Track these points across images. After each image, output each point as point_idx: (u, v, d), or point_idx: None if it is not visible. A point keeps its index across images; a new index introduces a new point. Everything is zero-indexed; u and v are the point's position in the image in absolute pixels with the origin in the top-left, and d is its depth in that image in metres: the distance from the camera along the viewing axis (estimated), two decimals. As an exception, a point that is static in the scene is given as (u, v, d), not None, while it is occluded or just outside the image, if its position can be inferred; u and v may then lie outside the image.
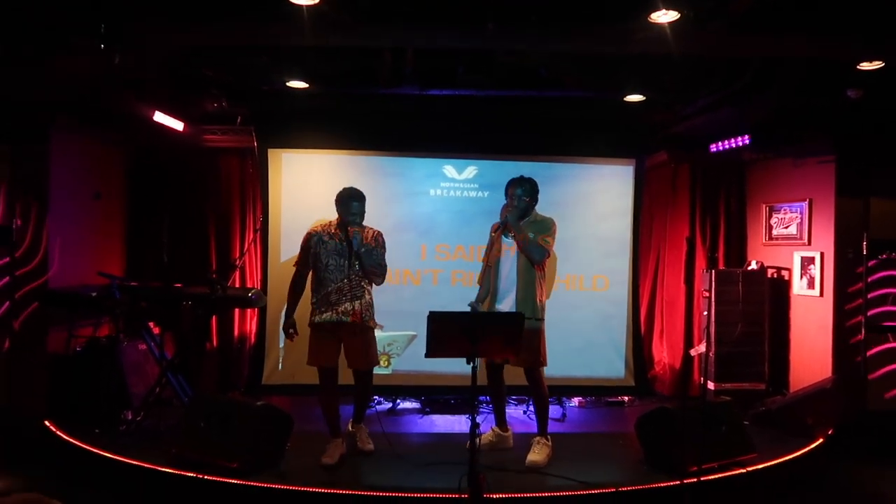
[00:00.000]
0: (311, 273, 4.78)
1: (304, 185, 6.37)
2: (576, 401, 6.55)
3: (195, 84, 5.64)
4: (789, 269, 6.49)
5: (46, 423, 5.20)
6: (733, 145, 6.28)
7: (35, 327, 5.64)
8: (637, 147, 6.62)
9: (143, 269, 6.69)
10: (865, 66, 4.72)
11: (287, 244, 6.29)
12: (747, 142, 6.14)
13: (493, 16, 4.19)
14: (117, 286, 5.66)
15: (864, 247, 5.81)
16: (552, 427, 5.12)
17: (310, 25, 4.09)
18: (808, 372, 6.13)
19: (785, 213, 6.54)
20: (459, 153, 6.49)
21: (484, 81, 5.35)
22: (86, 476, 4.71)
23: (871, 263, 5.87)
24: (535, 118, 6.33)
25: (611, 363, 6.57)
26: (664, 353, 7.10)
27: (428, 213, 6.46)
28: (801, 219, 6.37)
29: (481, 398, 5.80)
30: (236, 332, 6.85)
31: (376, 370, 5.02)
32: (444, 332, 3.73)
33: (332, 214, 4.77)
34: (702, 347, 6.26)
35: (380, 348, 5.96)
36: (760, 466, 4.62)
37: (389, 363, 6.35)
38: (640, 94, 5.64)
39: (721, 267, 6.79)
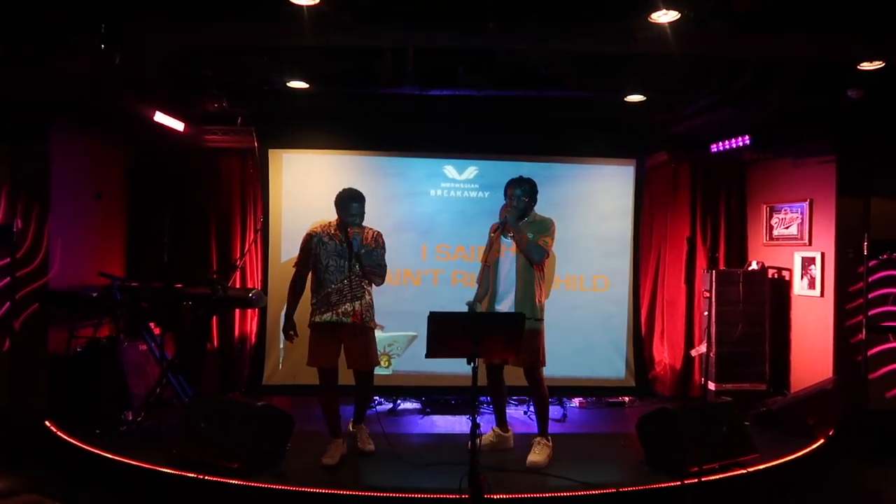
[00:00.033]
0: (310, 274, 4.77)
1: (305, 186, 6.37)
2: (576, 401, 6.55)
3: (195, 84, 5.64)
4: (790, 270, 6.49)
5: (47, 423, 5.20)
6: (734, 145, 6.28)
7: (36, 328, 5.64)
8: (637, 147, 6.62)
9: (144, 269, 6.69)
10: (866, 65, 4.72)
11: (288, 244, 6.29)
12: (748, 142, 6.14)
13: (494, 15, 4.19)
14: (118, 286, 5.66)
15: (865, 247, 5.81)
16: (553, 427, 5.12)
17: (310, 25, 4.09)
18: (809, 372, 6.13)
19: (785, 214, 6.53)
20: (460, 153, 6.49)
21: (484, 81, 5.34)
22: (86, 476, 4.71)
23: (871, 263, 5.86)
24: (536, 118, 6.33)
25: (611, 364, 6.56)
26: (665, 354, 7.09)
27: (428, 214, 6.46)
28: (802, 219, 6.36)
29: (482, 399, 5.80)
30: (237, 333, 6.85)
31: (377, 371, 5.01)
32: (445, 332, 3.73)
33: (332, 215, 4.76)
34: (702, 348, 6.26)
35: (380, 349, 5.96)
36: (761, 467, 4.61)
37: (390, 364, 6.35)
38: (641, 94, 5.64)
39: (722, 267, 6.79)
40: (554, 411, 5.98)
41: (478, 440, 3.66)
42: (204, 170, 6.86)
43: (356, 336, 4.65)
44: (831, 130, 5.97)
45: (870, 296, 5.89)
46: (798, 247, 6.40)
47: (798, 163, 6.42)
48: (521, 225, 4.72)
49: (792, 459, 4.83)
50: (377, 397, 6.22)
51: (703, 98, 5.68)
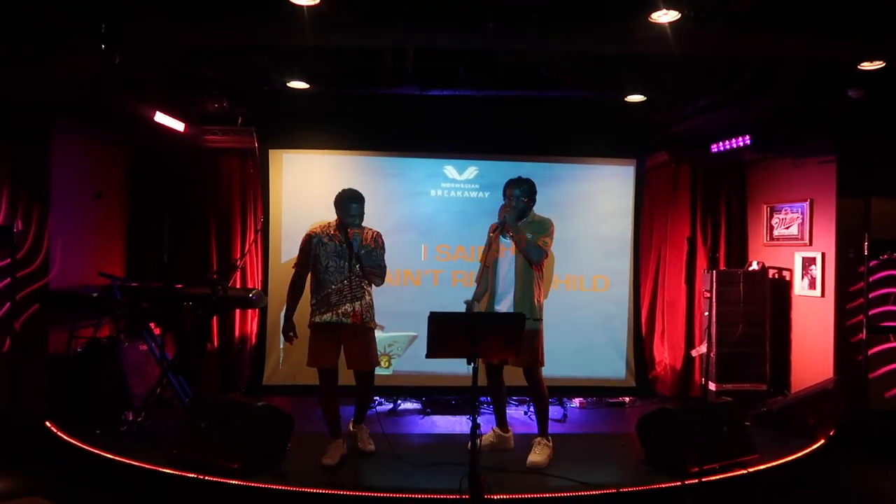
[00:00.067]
0: (310, 275, 4.77)
1: (305, 186, 6.37)
2: (577, 401, 6.55)
3: (195, 84, 5.64)
4: (790, 270, 6.49)
5: (47, 423, 5.19)
6: (734, 145, 6.28)
7: (36, 328, 5.64)
8: (638, 147, 6.62)
9: (144, 269, 6.69)
10: (866, 65, 4.72)
11: (288, 245, 6.29)
12: (748, 142, 6.14)
13: (494, 15, 4.19)
14: (118, 287, 5.66)
15: (866, 247, 5.80)
16: (553, 428, 5.11)
17: (310, 25, 4.09)
18: (810, 372, 6.13)
19: (786, 214, 6.53)
20: (460, 153, 6.49)
21: (484, 81, 5.34)
22: (86, 477, 4.71)
23: (872, 263, 5.85)
24: (536, 118, 6.33)
25: (612, 364, 6.56)
26: (665, 354, 7.09)
27: (428, 214, 6.46)
28: (802, 219, 6.36)
29: (482, 399, 5.80)
30: (237, 333, 6.85)
31: (377, 371, 5.01)
32: (445, 332, 3.72)
33: (333, 215, 4.76)
34: (703, 348, 6.26)
35: (380, 349, 5.97)
36: (762, 467, 4.60)
37: (390, 364, 6.35)
38: (641, 94, 5.64)
39: (722, 267, 6.79)
40: (554, 411, 5.98)
41: (478, 440, 3.66)
42: (204, 170, 6.86)
43: (356, 336, 4.65)
44: (831, 130, 5.97)
45: (870, 295, 5.88)
46: (798, 247, 6.40)
47: (798, 163, 6.42)
48: (520, 225, 4.72)
49: (792, 460, 4.83)
50: (377, 397, 6.21)
51: (704, 98, 5.67)
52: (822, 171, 6.17)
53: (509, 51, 4.87)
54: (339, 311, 4.60)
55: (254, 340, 6.73)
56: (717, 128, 6.28)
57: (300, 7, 3.93)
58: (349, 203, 4.66)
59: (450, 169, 6.48)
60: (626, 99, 5.74)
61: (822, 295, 6.14)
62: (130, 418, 5.30)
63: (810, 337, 6.28)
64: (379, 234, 4.83)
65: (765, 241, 6.75)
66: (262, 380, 6.37)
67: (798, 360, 6.42)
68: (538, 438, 4.79)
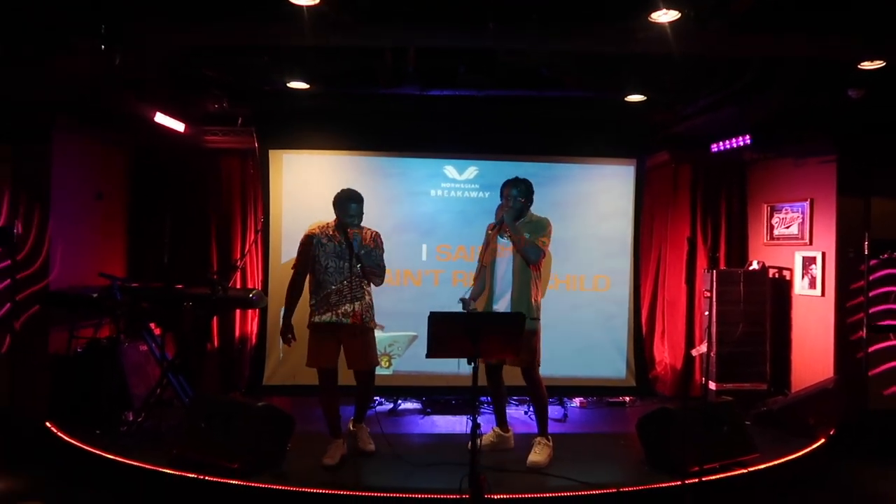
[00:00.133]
0: (309, 275, 4.76)
1: (306, 186, 6.36)
2: (577, 401, 6.55)
3: (196, 84, 5.64)
4: (791, 269, 6.49)
5: (47, 424, 5.19)
6: (734, 145, 6.28)
7: (36, 328, 5.64)
8: (638, 147, 6.61)
9: (144, 269, 6.69)
10: (867, 65, 4.72)
11: (288, 245, 6.29)
12: (748, 141, 6.14)
13: (494, 15, 4.19)
14: (118, 287, 5.66)
15: (866, 246, 5.80)
16: (553, 427, 5.12)
17: (310, 25, 4.09)
18: (810, 372, 6.13)
19: (786, 213, 6.53)
20: (460, 153, 6.49)
21: (485, 81, 5.34)
22: (87, 477, 4.71)
23: (872, 263, 5.85)
24: (536, 118, 6.34)
25: (612, 363, 6.55)
26: (665, 354, 7.09)
27: (429, 214, 6.45)
28: (803, 218, 6.36)
29: (482, 399, 5.80)
30: (237, 333, 6.86)
31: (378, 371, 5.01)
32: (445, 332, 3.73)
33: (333, 215, 4.75)
34: (703, 347, 6.26)
35: (381, 349, 5.97)
36: (762, 466, 4.61)
37: (390, 364, 6.35)
38: (641, 94, 5.64)
39: (722, 267, 6.79)
40: (554, 411, 5.99)
41: (478, 440, 3.66)
42: (204, 170, 6.87)
43: (356, 336, 4.65)
44: (832, 130, 5.97)
45: (870, 294, 5.87)
46: (799, 246, 6.40)
47: (799, 162, 6.42)
48: (518, 225, 4.72)
49: (792, 459, 4.83)
50: (378, 397, 6.21)
51: (704, 98, 5.68)
52: (822, 171, 6.17)
53: (509, 51, 4.87)
54: (339, 311, 4.60)
55: (254, 340, 6.73)
56: (718, 128, 6.28)
57: (300, 7, 3.93)
58: (348, 203, 4.66)
59: (450, 169, 6.48)
60: (626, 99, 5.75)
61: (823, 294, 6.14)
62: (131, 418, 5.30)
63: (810, 336, 6.28)
64: (378, 235, 4.83)
65: (765, 241, 6.75)
66: (263, 380, 6.37)
67: (798, 360, 6.42)
68: (538, 438, 4.79)
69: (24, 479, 4.75)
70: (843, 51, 4.60)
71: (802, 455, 4.91)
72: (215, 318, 6.69)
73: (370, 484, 4.32)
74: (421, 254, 6.42)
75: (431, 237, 6.43)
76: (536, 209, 4.89)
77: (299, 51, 4.91)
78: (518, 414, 6.02)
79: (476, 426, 3.63)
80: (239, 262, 6.56)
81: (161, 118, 5.89)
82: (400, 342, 6.36)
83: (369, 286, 4.75)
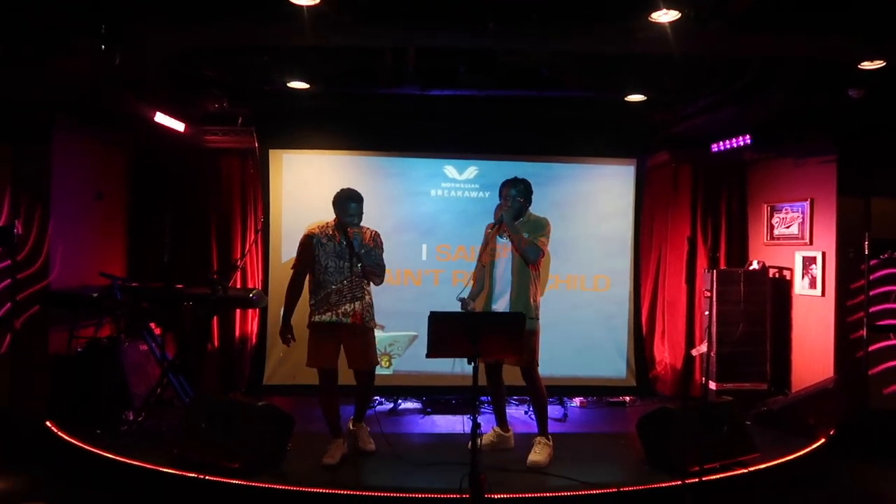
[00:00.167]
0: (308, 275, 4.76)
1: (306, 186, 6.37)
2: (577, 401, 6.55)
3: (196, 84, 5.64)
4: (791, 269, 6.48)
5: (48, 423, 5.20)
6: (735, 145, 6.28)
7: (36, 328, 5.64)
8: (638, 147, 6.61)
9: (145, 269, 6.69)
10: (867, 65, 4.71)
11: (288, 245, 6.29)
12: (749, 141, 6.14)
13: (494, 15, 4.19)
14: (119, 287, 5.66)
15: (866, 246, 5.79)
16: (554, 427, 5.11)
17: (310, 25, 4.09)
18: (810, 372, 6.13)
19: (786, 213, 6.53)
20: (460, 153, 6.49)
21: (485, 81, 5.34)
22: (87, 477, 4.71)
23: (872, 263, 5.85)
24: (536, 118, 6.34)
25: (612, 363, 6.56)
26: (666, 354, 7.09)
27: (429, 214, 6.45)
28: (803, 218, 6.36)
29: (482, 398, 5.80)
30: (237, 333, 6.85)
31: (378, 370, 5.01)
32: (446, 332, 3.73)
33: (333, 215, 4.75)
34: (703, 347, 6.26)
35: (381, 349, 5.98)
36: (762, 466, 4.61)
37: (391, 364, 6.35)
38: (641, 94, 5.64)
39: (722, 267, 6.79)
40: (555, 411, 5.99)
41: (478, 440, 3.66)
42: (204, 170, 6.86)
43: (356, 336, 4.65)
44: (832, 130, 5.97)
45: (871, 293, 5.86)
46: (799, 246, 6.40)
47: (799, 162, 6.42)
48: (517, 225, 4.72)
49: (793, 459, 4.83)
50: (378, 397, 6.22)
51: (704, 98, 5.68)
52: (822, 171, 6.17)
53: (509, 51, 4.87)
54: (339, 310, 4.59)
55: (254, 340, 6.73)
56: (717, 128, 6.28)
57: (300, 7, 3.93)
58: (348, 202, 4.65)
59: (450, 169, 6.48)
60: (626, 99, 5.75)
61: (823, 294, 6.14)
62: (131, 418, 5.30)
63: (811, 336, 6.28)
64: (377, 234, 4.82)
65: (765, 241, 6.75)
66: (263, 379, 6.37)
67: (798, 360, 6.42)
68: (538, 438, 4.79)
69: (24, 478, 4.76)
70: (843, 51, 4.59)
71: (803, 455, 4.91)
72: (215, 317, 6.68)
73: (370, 484, 4.32)
74: (421, 253, 6.42)
75: (431, 237, 6.43)
76: (537, 209, 4.89)
77: (299, 51, 4.91)
78: (518, 414, 6.02)
79: (476, 426, 3.63)
80: (239, 262, 6.55)
81: (161, 118, 5.89)
82: (400, 342, 6.36)
83: (369, 286, 4.75)
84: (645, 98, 5.72)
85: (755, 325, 6.27)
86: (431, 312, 3.66)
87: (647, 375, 6.71)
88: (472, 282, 4.92)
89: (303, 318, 4.73)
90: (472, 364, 3.68)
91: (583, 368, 6.45)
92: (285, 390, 6.27)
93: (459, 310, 4.71)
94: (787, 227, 6.52)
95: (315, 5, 3.92)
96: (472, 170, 6.47)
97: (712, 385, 6.18)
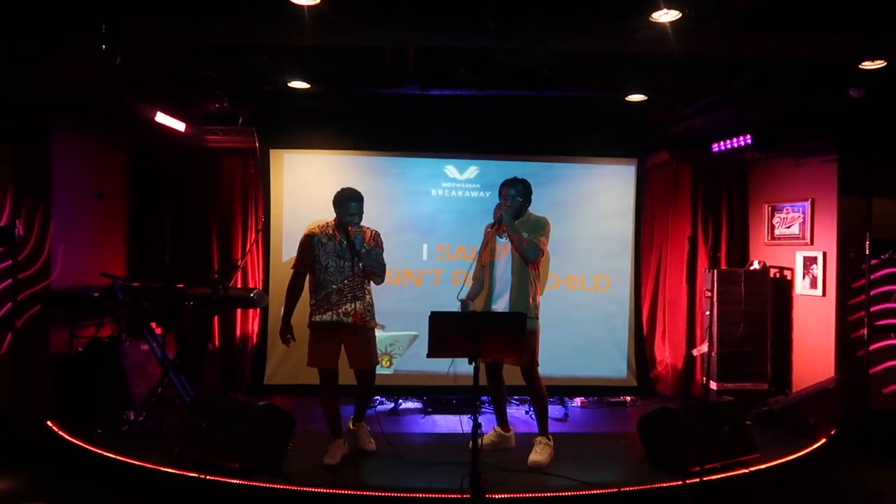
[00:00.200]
0: (308, 275, 4.76)
1: (306, 186, 6.37)
2: (578, 401, 6.55)
3: (196, 84, 5.65)
4: (792, 269, 6.48)
5: (49, 423, 5.20)
6: (735, 145, 6.27)
7: (37, 328, 5.65)
8: (638, 147, 6.61)
9: (145, 269, 6.68)
10: (868, 65, 4.70)
11: (289, 244, 6.29)
12: (749, 141, 6.13)
13: (493, 15, 4.19)
14: (119, 286, 5.67)
15: (867, 246, 5.79)
16: (554, 427, 5.11)
17: (310, 25, 4.09)
18: (811, 372, 6.12)
19: (787, 213, 6.53)
20: (461, 153, 6.49)
21: (484, 81, 5.34)
22: (88, 476, 4.72)
23: (873, 262, 5.84)
24: (536, 118, 6.34)
25: (613, 363, 6.55)
26: (666, 353, 7.09)
27: (429, 214, 6.46)
28: (804, 218, 6.35)
29: (483, 398, 5.80)
30: (238, 333, 6.86)
31: (378, 370, 5.01)
32: (446, 332, 3.73)
33: (334, 214, 4.75)
34: (704, 347, 6.25)
35: (382, 348, 5.98)
36: (763, 466, 4.60)
37: (391, 363, 6.35)
38: (641, 93, 5.64)
39: (723, 267, 6.79)
40: (555, 411, 5.99)
41: (479, 440, 3.66)
42: (205, 170, 6.87)
43: (356, 335, 4.65)
44: (832, 130, 5.96)
45: (871, 293, 5.86)
46: (800, 246, 6.39)
47: (799, 162, 6.41)
48: (517, 224, 4.73)
49: (793, 459, 4.83)
50: (379, 397, 6.23)
51: (703, 98, 5.68)
52: (823, 171, 6.16)
53: (509, 51, 4.87)
54: (340, 310, 4.59)
55: (255, 340, 6.73)
56: (717, 128, 6.28)
57: (300, 7, 3.93)
58: (348, 202, 4.65)
59: (450, 168, 6.48)
60: (625, 99, 5.75)
61: (824, 294, 6.14)
62: (132, 418, 5.30)
63: (811, 336, 6.27)
64: (377, 233, 4.82)
65: (766, 241, 6.75)
66: (264, 379, 6.37)
67: (799, 360, 6.41)
68: (539, 438, 4.79)
69: (25, 478, 4.76)
70: (843, 51, 4.59)
71: (803, 455, 4.91)
72: (216, 317, 6.69)
73: (371, 483, 4.32)
74: (422, 253, 6.42)
75: (432, 237, 6.43)
76: (537, 209, 4.89)
77: (299, 51, 4.91)
78: (519, 413, 6.02)
79: (477, 426, 3.63)
80: (240, 262, 6.55)
81: (162, 118, 5.89)
82: (401, 342, 6.36)
83: (370, 285, 4.75)
84: (644, 98, 5.72)
85: (756, 325, 6.27)
86: (432, 312, 3.66)
87: (647, 375, 6.71)
88: (471, 281, 4.92)
89: (303, 317, 4.73)
90: (473, 364, 3.68)
91: (583, 368, 6.45)
92: (286, 390, 6.27)
93: (460, 310, 4.71)
94: (788, 227, 6.52)
95: (315, 5, 3.92)
96: (472, 169, 6.47)
97: (713, 385, 6.18)
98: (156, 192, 6.81)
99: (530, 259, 4.66)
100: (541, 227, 4.75)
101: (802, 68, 4.96)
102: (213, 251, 6.84)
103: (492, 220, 4.86)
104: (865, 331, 5.84)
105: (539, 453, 4.69)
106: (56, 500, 4.49)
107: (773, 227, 6.68)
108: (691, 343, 6.85)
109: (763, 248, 6.78)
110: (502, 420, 5.08)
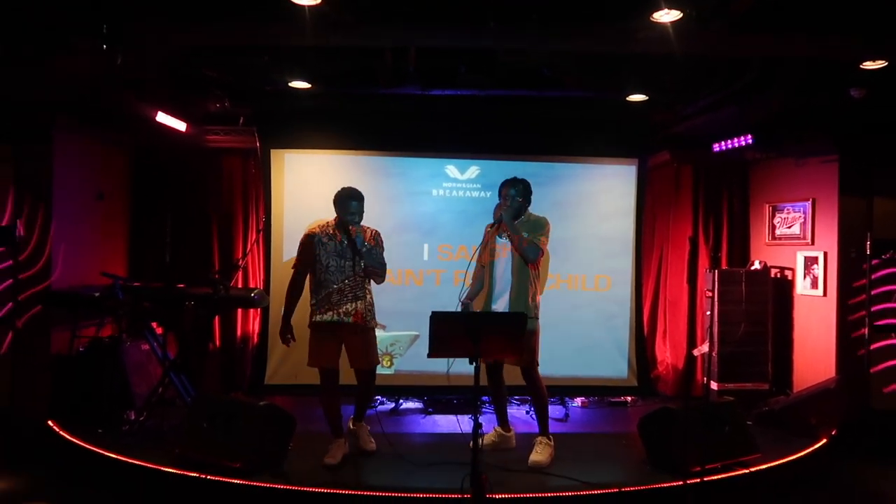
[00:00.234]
0: (309, 275, 4.75)
1: (307, 186, 6.37)
2: (579, 401, 6.55)
3: (196, 84, 5.64)
4: (792, 269, 6.48)
5: (49, 423, 5.21)
6: (736, 145, 6.27)
7: (38, 328, 5.65)
8: (639, 147, 6.61)
9: (146, 269, 6.69)
10: (868, 65, 4.70)
11: (290, 244, 6.28)
12: (750, 141, 6.13)
13: (494, 15, 4.19)
14: (120, 286, 5.66)
15: (868, 246, 5.79)
16: (555, 427, 5.11)
17: (311, 25, 4.09)
18: (812, 372, 6.12)
19: (788, 213, 6.52)
20: (461, 153, 6.49)
21: (485, 81, 5.34)
22: (88, 476, 4.72)
23: (874, 262, 5.84)
24: (537, 118, 6.33)
25: (614, 363, 6.55)
26: (667, 353, 7.09)
27: (430, 213, 6.45)
28: (805, 218, 6.35)
29: (484, 398, 5.79)
30: (239, 333, 6.86)
31: (379, 370, 5.01)
32: (447, 332, 3.73)
33: (334, 214, 4.75)
34: (705, 347, 6.24)
35: (382, 348, 5.98)
36: (763, 467, 4.60)
37: (392, 363, 6.34)
38: (641, 93, 5.64)
39: (724, 267, 6.79)
40: (556, 411, 5.99)
41: (480, 440, 3.66)
42: (205, 170, 6.87)
43: (356, 335, 4.64)
44: (833, 130, 5.96)
45: (872, 293, 5.86)
46: (801, 246, 6.39)
47: (800, 162, 6.41)
48: (517, 224, 4.73)
49: (794, 459, 4.82)
50: (379, 397, 6.23)
51: (704, 98, 5.68)
52: (824, 171, 6.16)
53: (509, 51, 4.87)
54: (341, 310, 4.59)
55: (256, 340, 6.73)
56: (717, 128, 6.27)
57: (301, 7, 3.92)
58: (349, 201, 4.65)
59: (451, 168, 6.48)
60: (626, 99, 5.75)
61: (825, 294, 6.13)
62: (132, 418, 5.31)
63: (812, 336, 6.27)
64: (378, 233, 4.82)
65: (767, 241, 6.74)
66: (264, 379, 6.37)
67: (800, 360, 6.41)
68: (540, 438, 4.79)
69: (25, 478, 4.76)
70: (843, 51, 4.58)
71: (804, 455, 4.91)
72: (217, 317, 6.69)
73: (371, 483, 4.32)
74: (422, 253, 6.42)
75: (433, 237, 6.43)
76: (538, 209, 4.89)
77: (299, 51, 4.91)
78: (519, 413, 6.02)
79: (478, 426, 3.63)
80: (240, 262, 6.55)
81: (163, 118, 5.89)
82: (401, 342, 6.36)
83: (370, 285, 4.75)
84: (645, 98, 5.72)
85: (757, 325, 6.26)
86: (433, 312, 3.66)
87: (648, 375, 6.70)
88: (471, 280, 4.92)
89: (303, 317, 4.73)
90: (474, 364, 3.68)
91: (584, 368, 6.44)
92: (287, 390, 6.27)
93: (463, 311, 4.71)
94: (789, 227, 6.51)
95: (316, 5, 3.91)
96: (473, 169, 6.47)
97: (714, 385, 6.17)
98: (156, 192, 6.81)
99: (530, 259, 4.65)
100: (540, 226, 4.75)
101: (803, 68, 4.96)
102: (213, 251, 6.84)
103: (492, 220, 4.86)
104: (866, 330, 5.83)
105: (540, 453, 4.69)
106: (57, 500, 4.49)
107: (773, 227, 6.68)
108: (692, 343, 6.84)
109: (764, 248, 6.78)
110: (503, 420, 5.08)
